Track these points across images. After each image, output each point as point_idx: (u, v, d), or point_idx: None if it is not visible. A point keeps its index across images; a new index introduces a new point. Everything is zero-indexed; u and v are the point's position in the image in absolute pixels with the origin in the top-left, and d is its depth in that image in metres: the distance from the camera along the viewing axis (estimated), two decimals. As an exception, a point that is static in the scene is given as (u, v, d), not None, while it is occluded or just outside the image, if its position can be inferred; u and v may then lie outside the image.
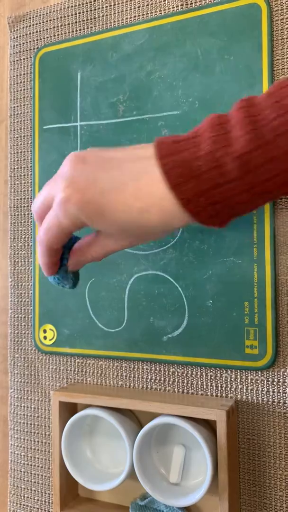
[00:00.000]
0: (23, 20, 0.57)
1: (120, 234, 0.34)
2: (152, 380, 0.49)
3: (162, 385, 0.48)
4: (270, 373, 0.44)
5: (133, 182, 0.31)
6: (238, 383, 0.45)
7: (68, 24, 0.55)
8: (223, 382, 0.46)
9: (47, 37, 0.56)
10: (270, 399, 0.44)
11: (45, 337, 0.54)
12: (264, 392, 0.44)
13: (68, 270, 0.38)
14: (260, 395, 0.44)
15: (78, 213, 0.32)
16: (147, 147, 0.32)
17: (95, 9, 0.53)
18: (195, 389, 0.47)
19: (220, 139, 0.29)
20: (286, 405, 0.43)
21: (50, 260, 0.36)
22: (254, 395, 0.44)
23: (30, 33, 0.57)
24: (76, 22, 0.54)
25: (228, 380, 0.46)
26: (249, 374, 0.45)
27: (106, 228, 0.33)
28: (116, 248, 0.36)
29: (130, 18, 0.51)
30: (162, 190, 0.30)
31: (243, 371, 0.45)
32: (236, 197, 0.30)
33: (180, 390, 0.48)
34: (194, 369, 0.47)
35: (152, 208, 0.31)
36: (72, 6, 0.54)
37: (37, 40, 0.56)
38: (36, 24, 0.57)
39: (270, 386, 0.44)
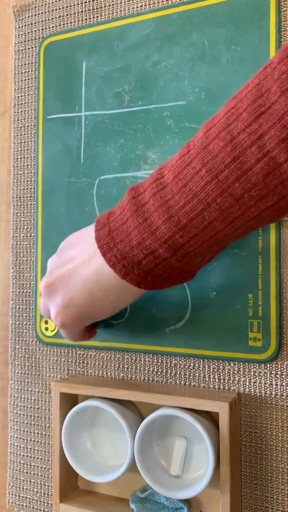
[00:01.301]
0: (28, 9, 0.57)
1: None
2: (154, 372, 0.49)
3: (164, 377, 0.48)
4: (273, 366, 0.44)
5: (96, 287, 0.38)
6: (241, 376, 0.45)
7: (74, 13, 0.54)
8: (226, 375, 0.45)
9: (52, 27, 0.55)
10: (273, 392, 0.43)
11: (46, 328, 0.54)
12: (267, 385, 0.44)
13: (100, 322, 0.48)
14: (263, 388, 0.44)
15: (77, 326, 0.42)
16: (91, 245, 0.38)
17: (101, -1, 0.53)
18: (197, 381, 0.47)
19: (145, 229, 0.35)
20: (289, 398, 0.43)
21: (86, 337, 0.47)
22: (257, 388, 0.44)
23: (35, 23, 0.57)
24: (81, 11, 0.54)
25: (231, 372, 0.45)
26: (252, 367, 0.44)
27: (101, 319, 0.43)
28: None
29: (136, 7, 0.51)
30: (119, 283, 0.37)
31: (246, 363, 0.45)
32: (175, 266, 0.36)
33: (182, 382, 0.47)
34: (197, 361, 0.47)
35: (122, 296, 0.39)
36: (78, -4, 0.54)
37: (42, 29, 0.56)
38: (41, 13, 0.56)
39: (273, 379, 0.44)
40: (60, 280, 0.39)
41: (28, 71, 0.57)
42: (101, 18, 0.53)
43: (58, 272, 0.40)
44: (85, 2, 0.54)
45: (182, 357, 0.47)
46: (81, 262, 0.38)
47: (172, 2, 0.49)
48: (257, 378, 0.44)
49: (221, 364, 0.46)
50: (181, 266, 0.37)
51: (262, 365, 0.44)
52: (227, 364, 0.45)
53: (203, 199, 0.32)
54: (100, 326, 0.49)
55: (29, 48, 0.57)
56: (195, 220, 0.33)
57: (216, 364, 0.46)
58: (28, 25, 0.57)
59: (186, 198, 0.33)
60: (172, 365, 0.48)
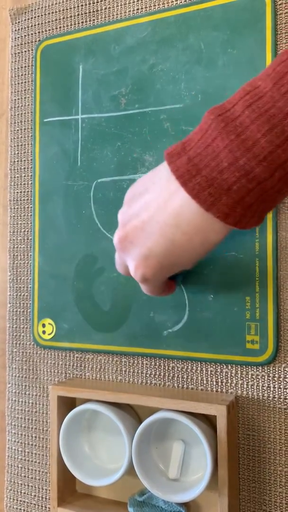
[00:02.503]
0: (25, 13, 0.57)
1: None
2: (152, 375, 0.49)
3: (162, 380, 0.48)
4: (271, 369, 0.44)
5: (177, 230, 0.33)
6: (239, 379, 0.45)
7: (70, 16, 0.54)
8: (224, 378, 0.45)
9: (49, 30, 0.55)
10: (270, 395, 0.43)
11: (44, 332, 0.53)
12: (264, 388, 0.44)
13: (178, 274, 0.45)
14: (260, 391, 0.44)
15: (158, 278, 0.36)
16: (166, 181, 0.33)
17: (97, 2, 0.53)
18: (195, 384, 0.47)
19: (239, 145, 0.29)
20: (286, 401, 0.43)
21: (167, 292, 0.43)
22: (255, 390, 0.44)
23: (31, 26, 0.57)
24: (78, 14, 0.54)
25: (229, 375, 0.45)
26: (249, 370, 0.44)
27: (187, 267, 0.37)
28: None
29: (133, 10, 0.51)
30: (204, 218, 0.32)
31: (244, 366, 0.45)
32: (268, 192, 0.30)
33: (180, 385, 0.47)
34: (194, 364, 0.47)
35: (208, 236, 0.33)
36: (74, -1, 0.54)
37: (38, 32, 0.56)
38: (38, 16, 0.56)
39: (270, 382, 0.44)
40: (134, 230, 0.35)
41: (25, 74, 0.57)
42: (98, 21, 0.53)
43: (131, 223, 0.35)
44: (82, 5, 0.54)
45: (180, 360, 0.47)
46: (155, 206, 0.33)
47: (168, 5, 0.49)
48: (254, 380, 0.44)
49: (219, 367, 0.46)
50: (272, 194, 0.31)
51: (260, 368, 0.44)
52: (224, 367, 0.45)
53: None
54: (179, 278, 0.45)
55: (25, 51, 0.57)
56: None
57: (214, 367, 0.46)
58: (25, 28, 0.57)
59: None
60: (170, 368, 0.48)
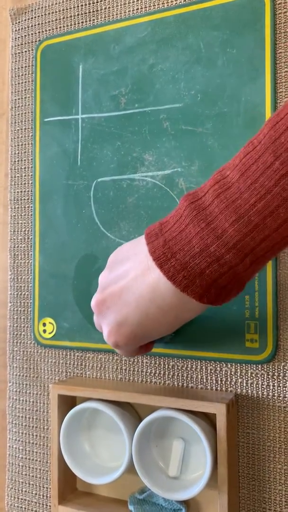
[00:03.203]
0: (25, 13, 0.57)
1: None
2: (152, 374, 0.49)
3: (162, 378, 0.48)
4: (270, 367, 0.44)
5: (153, 304, 0.35)
6: (238, 377, 0.45)
7: (70, 16, 0.54)
8: (223, 376, 0.46)
9: (49, 30, 0.56)
10: (270, 393, 0.44)
11: (44, 331, 0.54)
12: (264, 386, 0.44)
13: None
14: (260, 389, 0.44)
15: (132, 346, 0.38)
16: (144, 257, 0.35)
17: (97, 2, 0.53)
18: (195, 382, 0.47)
19: (209, 233, 0.31)
20: (286, 399, 0.43)
21: (143, 351, 0.43)
22: (254, 389, 0.44)
23: (32, 26, 0.57)
24: (78, 14, 0.54)
25: (228, 373, 0.45)
26: (249, 368, 0.45)
27: (157, 338, 0.39)
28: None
29: (132, 10, 0.51)
30: (179, 297, 0.34)
31: (243, 364, 0.45)
32: (242, 274, 0.33)
33: (180, 383, 0.47)
34: (194, 363, 0.47)
35: (181, 313, 0.35)
36: (74, -1, 0.54)
37: (39, 32, 0.56)
38: (38, 16, 0.56)
39: (270, 380, 0.44)
40: (112, 297, 0.37)
41: (25, 74, 0.57)
42: (97, 21, 0.53)
43: (110, 288, 0.37)
44: (82, 5, 0.54)
45: (180, 359, 0.47)
46: (134, 277, 0.35)
47: (167, 5, 0.49)
48: (254, 379, 0.44)
49: (218, 366, 0.46)
50: (246, 275, 0.33)
51: (259, 366, 0.44)
52: (224, 365, 0.46)
53: (278, 194, 0.29)
54: (157, 341, 0.45)
55: (25, 51, 0.57)
56: (269, 218, 0.30)
57: (214, 365, 0.46)
58: (25, 28, 0.57)
59: (258, 195, 0.30)
60: (169, 366, 0.48)
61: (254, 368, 0.44)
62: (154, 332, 0.37)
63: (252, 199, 0.30)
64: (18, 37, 0.58)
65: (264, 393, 0.44)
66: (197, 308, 0.35)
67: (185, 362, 0.47)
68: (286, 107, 0.31)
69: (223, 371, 0.46)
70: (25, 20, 0.57)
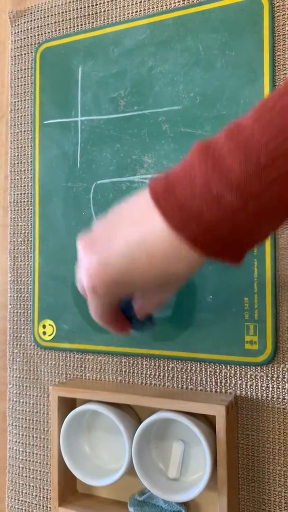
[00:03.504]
0: (24, 15, 0.57)
1: (157, 287, 0.36)
2: (152, 376, 0.49)
3: (162, 380, 0.48)
4: (269, 369, 0.44)
5: (141, 246, 0.32)
6: (238, 379, 0.45)
7: (70, 19, 0.55)
8: (223, 378, 0.46)
9: (48, 32, 0.56)
10: (269, 395, 0.44)
11: (44, 333, 0.54)
12: (263, 388, 0.44)
13: (140, 321, 0.40)
14: (259, 391, 0.44)
15: (108, 294, 0.34)
16: (144, 202, 0.32)
17: (96, 4, 0.53)
18: (194, 384, 0.47)
19: (214, 171, 0.29)
20: (285, 400, 0.43)
21: (117, 326, 0.39)
22: (254, 390, 0.44)
23: (31, 28, 0.57)
24: (77, 17, 0.54)
25: (228, 375, 0.45)
26: (248, 370, 0.45)
27: (140, 290, 0.36)
28: (165, 298, 0.39)
29: (131, 13, 0.51)
30: (171, 241, 0.31)
31: (243, 366, 0.45)
32: (242, 225, 0.29)
33: (180, 385, 0.48)
34: (194, 365, 0.47)
35: (170, 260, 0.32)
36: (73, 1, 0.54)
37: (38, 35, 0.56)
38: (37, 19, 0.56)
39: (269, 382, 0.44)
40: (101, 237, 0.34)
41: (25, 77, 0.57)
42: (97, 24, 0.53)
43: (101, 229, 0.34)
44: (81, 8, 0.54)
45: (179, 361, 0.48)
46: (128, 219, 0.33)
47: (166, 7, 0.49)
48: (253, 381, 0.44)
49: (218, 367, 0.46)
50: (247, 228, 0.30)
51: (259, 368, 0.44)
52: (223, 367, 0.46)
53: None
54: (134, 326, 0.41)
55: (25, 54, 0.57)
56: (280, 160, 0.28)
57: (213, 367, 0.46)
58: (24, 30, 0.57)
59: (270, 135, 0.28)
60: (169, 368, 0.48)
61: (254, 370, 0.44)
62: (137, 281, 0.33)
63: (264, 139, 0.28)
64: (18, 40, 0.58)
65: (264, 394, 0.44)
66: (186, 259, 0.31)
67: (184, 364, 0.47)
68: None
69: (223, 373, 0.46)
70: (25, 22, 0.57)
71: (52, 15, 0.56)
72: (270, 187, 0.28)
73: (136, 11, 0.51)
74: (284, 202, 0.29)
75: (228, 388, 0.45)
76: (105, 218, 0.35)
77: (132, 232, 0.32)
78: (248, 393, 0.45)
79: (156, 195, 0.31)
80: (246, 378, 0.45)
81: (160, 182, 0.31)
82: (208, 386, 0.46)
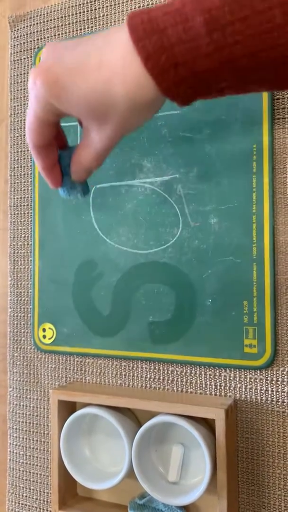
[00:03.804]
0: (24, 20, 0.58)
1: (92, 117, 0.32)
2: (151, 379, 0.49)
3: (161, 384, 0.48)
4: (269, 372, 0.44)
5: (96, 52, 0.30)
6: (237, 382, 0.45)
7: (69, 23, 0.55)
8: (222, 381, 0.46)
9: (48, 37, 0.56)
10: (269, 398, 0.44)
11: (44, 336, 0.54)
12: (263, 391, 0.44)
13: (73, 181, 0.37)
14: (259, 394, 0.44)
15: (46, 94, 0.31)
16: (121, 27, 0.30)
17: (95, 9, 0.53)
18: (194, 388, 0.47)
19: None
20: (284, 404, 0.43)
21: (46, 162, 0.35)
22: (253, 394, 0.45)
23: (30, 33, 0.57)
24: (76, 21, 0.54)
25: (227, 379, 0.46)
26: (248, 373, 0.45)
27: (75, 109, 0.32)
28: (102, 144, 0.34)
29: (130, 18, 0.51)
30: (125, 55, 0.29)
31: (242, 370, 0.45)
32: (199, 60, 0.28)
33: (179, 389, 0.48)
34: (193, 368, 0.47)
35: (115, 77, 0.29)
36: (72, 6, 0.54)
37: (37, 39, 0.57)
38: (37, 23, 0.57)
39: (269, 385, 0.44)
40: (67, 44, 0.32)
41: (24, 81, 0.57)
42: (96, 29, 0.53)
43: (72, 40, 0.33)
44: (80, 13, 0.54)
45: (179, 364, 0.48)
46: (100, 34, 0.31)
47: (165, 12, 0.49)
48: (253, 384, 0.45)
49: (217, 371, 0.46)
50: (205, 69, 0.28)
51: (258, 372, 0.44)
52: (223, 370, 0.46)
53: None
54: (65, 183, 0.38)
55: (24, 58, 0.57)
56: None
57: (213, 370, 0.46)
58: (24, 35, 0.58)
59: None
60: (169, 372, 0.48)
61: (253, 373, 0.45)
62: (77, 87, 0.30)
63: None
64: (17, 44, 0.58)
65: (263, 398, 0.44)
66: (132, 80, 0.29)
67: (184, 368, 0.47)
68: None
69: (222, 377, 0.46)
70: (24, 27, 0.58)
71: (51, 19, 0.56)
72: (237, 23, 0.27)
73: (135, 16, 0.51)
74: (246, 49, 0.27)
75: (228, 391, 0.46)
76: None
77: (97, 41, 0.31)
78: (248, 396, 0.45)
79: (132, 14, 0.29)
80: (245, 382, 0.45)
81: (142, 9, 0.30)
82: (208, 389, 0.46)
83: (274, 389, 0.44)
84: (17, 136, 0.57)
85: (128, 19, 0.29)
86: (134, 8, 0.51)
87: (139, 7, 0.51)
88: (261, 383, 0.44)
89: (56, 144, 0.36)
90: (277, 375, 0.44)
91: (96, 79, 0.30)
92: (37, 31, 0.57)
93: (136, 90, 0.29)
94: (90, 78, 0.30)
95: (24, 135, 0.57)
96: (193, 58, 0.28)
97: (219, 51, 0.27)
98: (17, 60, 0.58)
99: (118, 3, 0.52)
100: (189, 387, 0.47)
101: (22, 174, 0.57)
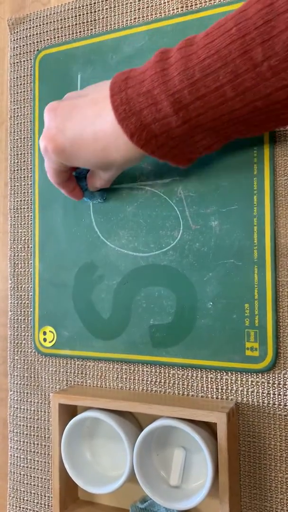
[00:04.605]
0: (23, 22, 0.58)
1: (96, 168, 0.42)
2: (152, 383, 0.49)
3: (162, 387, 0.48)
4: (270, 375, 0.44)
5: (91, 126, 0.38)
6: (239, 385, 0.45)
7: (68, 26, 0.55)
8: (224, 384, 0.46)
9: (47, 39, 0.56)
10: (270, 401, 0.44)
11: (44, 339, 0.54)
12: (264, 394, 0.44)
13: (91, 191, 0.49)
14: (260, 397, 0.44)
15: (57, 158, 0.40)
16: (105, 88, 0.38)
17: (95, 11, 0.53)
18: (195, 391, 0.47)
19: (159, 77, 0.34)
20: (287, 407, 0.43)
21: (67, 190, 0.47)
22: (255, 397, 0.44)
23: (30, 35, 0.57)
24: (76, 24, 0.54)
25: (229, 382, 0.45)
26: (249, 376, 0.45)
27: (82, 165, 0.41)
28: (109, 177, 0.44)
29: (130, 20, 0.51)
30: (113, 130, 0.36)
31: (244, 373, 0.45)
32: (174, 131, 0.35)
33: (181, 392, 0.47)
34: (195, 372, 0.47)
35: (110, 146, 0.37)
36: (72, 8, 0.54)
37: (37, 42, 0.57)
38: (36, 26, 0.57)
39: (270, 388, 0.44)
40: (63, 107, 0.40)
41: (24, 84, 0.57)
42: (95, 31, 0.53)
43: (67, 102, 0.40)
44: (80, 15, 0.54)
45: (180, 367, 0.47)
46: (89, 100, 0.39)
47: (165, 14, 0.49)
48: (254, 387, 0.44)
49: (219, 374, 0.46)
50: (180, 134, 0.35)
51: (260, 375, 0.44)
52: (224, 374, 0.46)
53: (223, 57, 0.32)
54: (86, 195, 0.50)
55: (24, 61, 0.57)
56: (209, 77, 0.32)
57: (214, 374, 0.46)
58: (23, 38, 0.57)
59: (208, 53, 0.32)
60: (170, 375, 0.48)
61: (255, 377, 0.44)
62: (81, 155, 0.39)
63: (202, 56, 0.32)
64: (17, 47, 0.58)
65: (265, 401, 0.44)
66: (125, 148, 0.37)
67: (185, 371, 0.47)
68: None
69: (224, 380, 0.46)
70: (24, 29, 0.57)
71: (51, 22, 0.56)
72: (197, 102, 0.33)
73: (135, 18, 0.51)
74: (208, 117, 0.34)
75: (229, 394, 0.45)
76: (76, 92, 0.42)
77: (88, 112, 0.38)
78: (249, 399, 0.45)
79: (113, 86, 0.36)
80: (247, 385, 0.45)
81: (122, 77, 0.37)
82: (209, 393, 0.46)
83: (276, 392, 0.44)
84: (17, 139, 0.57)
85: (111, 95, 0.36)
86: (134, 10, 0.51)
87: (138, 9, 0.50)
88: (262, 386, 0.44)
89: (71, 172, 0.46)
90: (279, 378, 0.43)
91: (95, 149, 0.38)
92: (37, 34, 0.57)
93: (128, 154, 0.38)
94: (90, 148, 0.38)
95: (24, 138, 0.57)
96: (167, 130, 0.35)
97: (187, 122, 0.34)
98: (17, 62, 0.58)
99: (118, 5, 0.52)
100: (190, 391, 0.47)
101: (22, 177, 0.57)
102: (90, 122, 0.37)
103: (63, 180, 0.45)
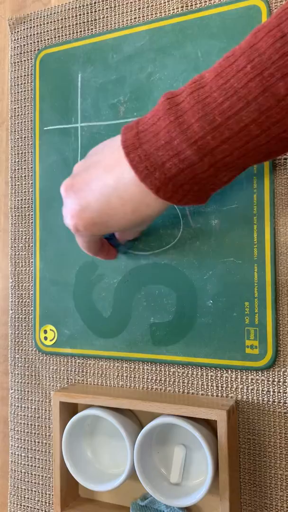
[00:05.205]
0: (24, 22, 0.58)
1: (132, 228, 0.40)
2: (153, 381, 0.49)
3: (163, 385, 0.48)
4: (270, 373, 0.44)
5: (115, 192, 0.36)
6: (239, 383, 0.45)
7: (69, 25, 0.55)
8: (224, 382, 0.46)
9: (48, 39, 0.56)
10: (270, 399, 0.44)
11: (45, 338, 0.54)
12: (264, 392, 0.44)
13: (123, 244, 0.50)
14: (260, 395, 0.44)
15: (89, 233, 0.39)
16: (117, 149, 0.36)
17: (95, 11, 0.53)
18: (195, 389, 0.47)
19: (175, 127, 0.32)
20: (286, 405, 0.43)
21: (103, 255, 0.46)
22: (255, 395, 0.45)
23: (30, 35, 0.57)
24: (76, 23, 0.54)
25: (229, 380, 0.46)
26: (249, 374, 0.45)
27: (119, 231, 0.43)
28: (140, 229, 0.46)
29: (130, 19, 0.51)
30: (138, 189, 0.35)
31: (244, 371, 0.45)
32: (200, 176, 0.34)
33: (181, 390, 0.48)
34: (195, 369, 0.47)
35: (139, 206, 0.36)
36: (72, 8, 0.55)
37: (37, 41, 0.57)
38: (37, 25, 0.57)
39: (270, 386, 0.44)
40: (80, 182, 0.38)
41: (24, 83, 0.57)
42: (96, 31, 0.53)
43: (80, 175, 0.38)
44: (80, 15, 0.54)
45: (180, 366, 0.48)
46: (103, 166, 0.37)
47: (165, 14, 0.50)
48: (254, 385, 0.45)
49: (219, 372, 0.46)
50: (205, 177, 0.34)
51: (260, 372, 0.44)
52: (224, 371, 0.46)
53: (243, 97, 0.30)
54: (120, 250, 0.50)
55: (25, 60, 0.57)
56: (232, 119, 0.31)
57: (214, 372, 0.46)
58: (24, 37, 0.58)
59: (226, 95, 0.31)
60: (170, 373, 0.48)
61: (255, 374, 0.45)
62: (113, 222, 0.38)
63: (220, 99, 0.31)
64: (17, 46, 0.58)
65: (265, 399, 0.44)
66: (154, 204, 0.36)
67: (185, 369, 0.47)
68: (271, 17, 0.31)
69: (224, 378, 0.46)
70: (24, 29, 0.58)
71: (51, 22, 0.56)
72: (223, 145, 0.32)
73: (135, 18, 0.51)
74: (234, 157, 0.33)
75: (229, 392, 0.46)
76: (84, 161, 0.40)
77: (106, 179, 0.36)
78: (249, 397, 0.45)
79: (126, 144, 0.35)
80: (247, 383, 0.45)
81: (131, 133, 0.35)
82: (209, 390, 0.46)
83: (275, 390, 0.44)
84: (18, 138, 0.57)
85: (126, 154, 0.34)
86: (134, 10, 0.51)
87: (139, 9, 0.51)
88: (262, 384, 0.44)
89: (101, 237, 0.45)
90: (279, 376, 0.44)
91: (125, 212, 0.37)
92: (37, 33, 0.57)
93: (158, 207, 0.37)
94: (119, 213, 0.37)
95: (25, 137, 0.57)
96: (193, 177, 0.34)
97: (213, 166, 0.33)
98: (18, 62, 0.58)
99: (118, 5, 0.52)
100: (190, 388, 0.47)
101: (22, 176, 0.57)
102: (112, 189, 0.36)
103: (98, 248, 0.44)
